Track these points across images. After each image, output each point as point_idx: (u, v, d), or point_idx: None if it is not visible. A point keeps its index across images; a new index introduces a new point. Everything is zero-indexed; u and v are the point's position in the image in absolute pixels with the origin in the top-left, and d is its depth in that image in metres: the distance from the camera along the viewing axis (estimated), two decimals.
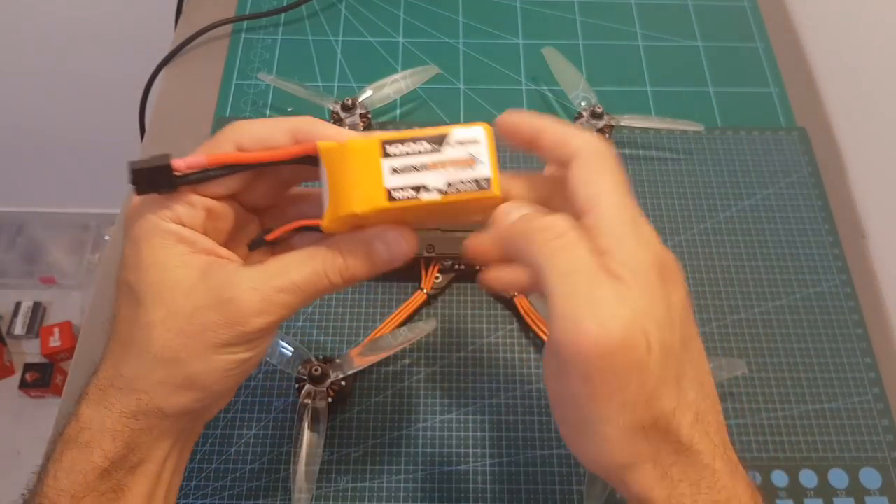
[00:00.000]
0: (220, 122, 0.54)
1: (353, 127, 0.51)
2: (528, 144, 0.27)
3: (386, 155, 0.24)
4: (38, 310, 1.27)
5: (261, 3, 0.61)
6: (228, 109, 0.55)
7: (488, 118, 0.55)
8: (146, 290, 0.26)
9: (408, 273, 0.46)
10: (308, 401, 0.40)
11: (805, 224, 0.50)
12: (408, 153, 0.24)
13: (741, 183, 0.52)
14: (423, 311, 0.46)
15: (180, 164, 0.25)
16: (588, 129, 0.50)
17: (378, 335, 0.43)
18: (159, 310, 0.25)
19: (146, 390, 0.26)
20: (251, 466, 0.40)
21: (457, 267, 0.45)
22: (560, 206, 0.26)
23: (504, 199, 0.25)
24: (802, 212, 0.50)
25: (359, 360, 0.41)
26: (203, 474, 0.40)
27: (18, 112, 1.08)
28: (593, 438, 0.24)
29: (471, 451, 0.41)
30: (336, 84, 0.57)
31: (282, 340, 0.41)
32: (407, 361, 0.44)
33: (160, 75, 0.58)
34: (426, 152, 0.24)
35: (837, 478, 0.41)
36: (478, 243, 0.28)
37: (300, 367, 0.41)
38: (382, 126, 0.54)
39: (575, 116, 0.52)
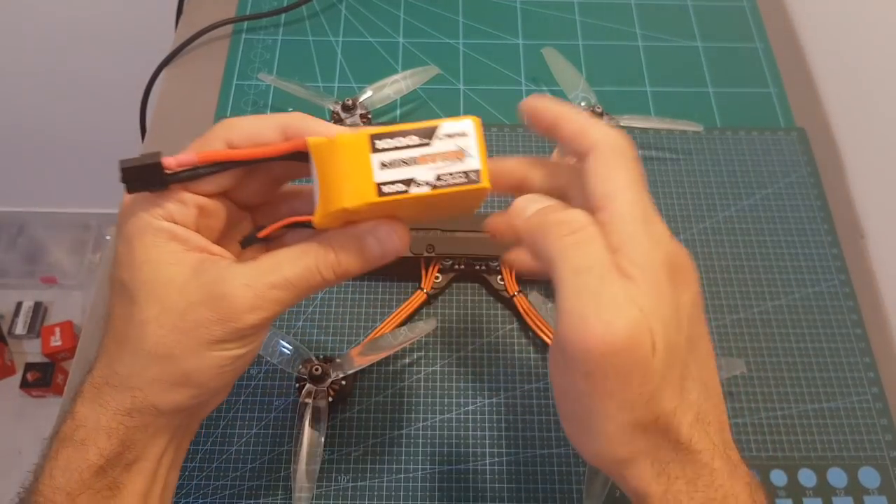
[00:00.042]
0: None
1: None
2: (548, 131, 0.27)
3: (375, 150, 0.24)
4: (39, 309, 1.27)
5: (261, 4, 0.61)
6: (229, 110, 0.55)
7: (488, 118, 0.56)
8: (139, 287, 0.26)
9: (408, 273, 0.46)
10: (308, 400, 0.40)
11: (804, 224, 0.50)
12: (397, 147, 0.24)
13: (740, 183, 0.52)
14: (423, 310, 0.46)
15: (171, 162, 0.25)
16: None
17: (378, 335, 0.43)
18: (153, 307, 0.25)
19: (140, 387, 0.26)
20: (252, 465, 0.40)
21: (457, 267, 0.46)
22: (578, 196, 0.26)
23: (492, 190, 0.25)
24: (801, 212, 0.50)
25: (359, 359, 0.41)
26: (204, 473, 0.40)
27: (19, 112, 1.08)
28: (593, 433, 0.24)
29: (471, 450, 0.41)
30: (336, 84, 0.57)
31: (282, 340, 0.41)
32: (407, 361, 0.44)
33: (161, 75, 0.58)
34: (415, 146, 0.24)
35: (836, 477, 0.41)
36: (498, 223, 0.28)
37: (301, 367, 0.41)
38: None
39: None
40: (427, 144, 0.24)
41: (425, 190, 0.24)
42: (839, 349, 0.45)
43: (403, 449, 0.41)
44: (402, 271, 0.46)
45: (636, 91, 0.57)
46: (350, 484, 0.40)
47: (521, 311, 0.44)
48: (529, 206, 0.26)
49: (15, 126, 1.10)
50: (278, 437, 0.41)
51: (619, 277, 0.23)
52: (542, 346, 0.44)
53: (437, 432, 0.42)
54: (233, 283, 0.25)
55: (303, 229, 0.27)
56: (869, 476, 0.41)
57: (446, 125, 0.25)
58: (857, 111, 0.54)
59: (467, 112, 0.55)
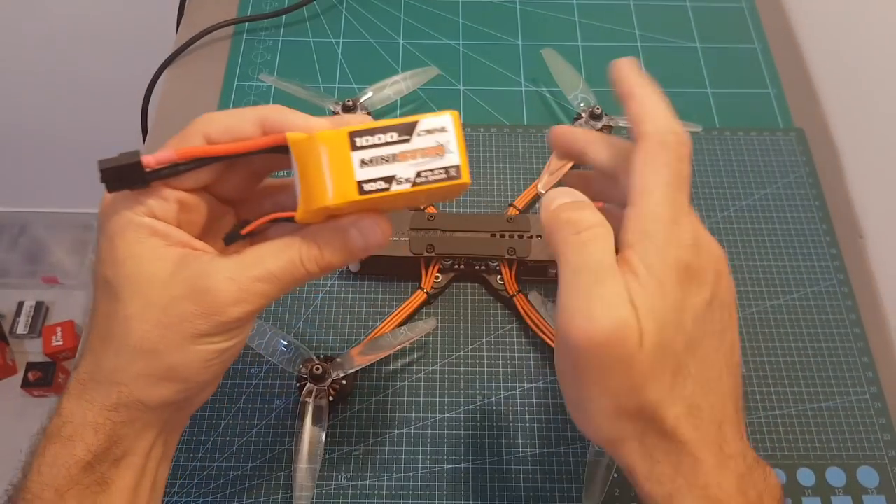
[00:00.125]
0: None
1: None
2: (623, 98, 0.28)
3: (355, 147, 0.24)
4: (40, 309, 1.28)
5: (262, 5, 0.61)
6: None
7: (488, 119, 0.56)
8: (122, 283, 0.26)
9: (408, 273, 0.46)
10: (309, 399, 0.40)
11: (803, 224, 0.50)
12: (376, 144, 0.24)
13: (739, 183, 0.52)
14: (423, 310, 0.46)
15: (150, 160, 0.25)
16: (588, 129, 0.50)
17: (378, 334, 0.43)
18: (136, 302, 0.26)
19: (126, 383, 0.26)
20: (253, 464, 0.41)
21: (457, 267, 0.46)
22: (624, 183, 0.27)
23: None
24: (800, 212, 0.51)
25: (359, 358, 0.41)
26: (205, 472, 0.40)
27: (21, 112, 1.08)
28: (584, 415, 0.26)
29: (471, 449, 0.41)
30: (337, 85, 0.57)
31: (283, 339, 0.42)
32: (407, 360, 0.44)
33: (162, 76, 0.58)
34: (395, 142, 0.24)
35: (835, 476, 0.41)
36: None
37: (301, 366, 0.41)
38: None
39: (574, 117, 0.52)
40: (407, 141, 0.25)
41: (406, 187, 0.24)
42: (838, 349, 0.45)
43: (404, 448, 0.41)
44: (402, 271, 0.46)
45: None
46: (350, 483, 0.40)
47: (521, 310, 0.45)
48: (555, 200, 0.27)
49: (16, 126, 1.10)
50: (279, 436, 0.41)
51: (617, 276, 0.24)
52: (541, 346, 0.45)
53: (437, 432, 0.42)
54: (216, 276, 0.26)
55: (286, 224, 0.27)
56: (868, 475, 0.41)
57: (425, 121, 0.25)
58: (855, 111, 0.55)
59: (467, 113, 0.55)
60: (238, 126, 0.26)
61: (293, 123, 0.26)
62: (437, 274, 0.46)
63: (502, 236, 0.45)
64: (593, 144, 0.30)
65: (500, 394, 0.43)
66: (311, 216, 0.26)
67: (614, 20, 0.62)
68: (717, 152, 0.53)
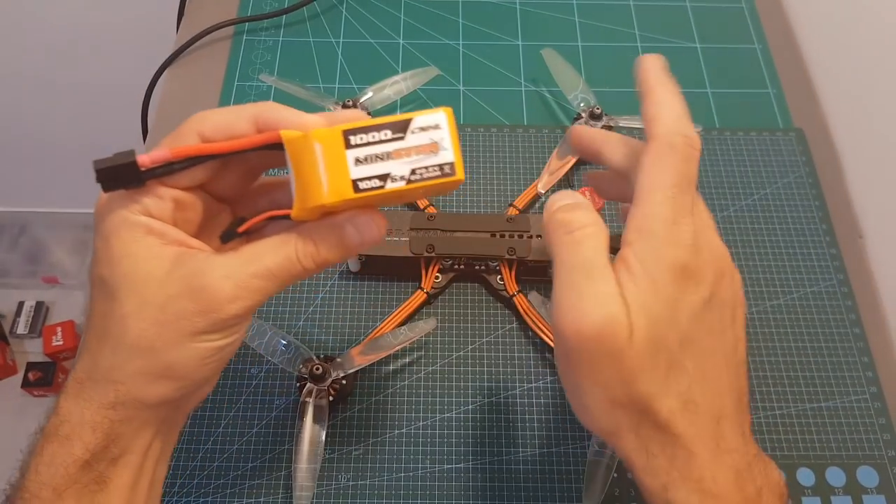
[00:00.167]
0: None
1: None
2: (641, 96, 0.28)
3: (349, 145, 0.24)
4: (40, 309, 1.28)
5: (262, 5, 0.61)
6: None
7: (488, 119, 0.56)
8: (119, 282, 0.26)
9: (408, 273, 0.46)
10: (309, 399, 0.40)
11: (802, 224, 0.50)
12: (370, 142, 0.24)
13: (739, 183, 0.52)
14: (423, 310, 0.46)
15: (145, 159, 0.25)
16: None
17: (378, 334, 0.43)
18: (133, 301, 0.26)
19: (123, 381, 0.26)
20: (253, 464, 0.41)
21: (457, 267, 0.46)
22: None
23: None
24: (800, 212, 0.51)
25: (359, 358, 0.41)
26: (205, 472, 0.40)
27: (21, 112, 1.08)
28: (582, 406, 0.27)
29: (471, 449, 0.41)
30: (337, 85, 0.57)
31: (283, 339, 0.42)
32: (407, 360, 0.44)
33: (163, 76, 0.58)
34: (389, 140, 0.25)
35: (835, 476, 0.41)
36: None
37: (301, 366, 0.41)
38: None
39: (574, 117, 0.52)
40: (401, 138, 0.25)
41: (401, 185, 0.25)
42: (837, 349, 0.45)
43: (404, 448, 0.41)
44: (402, 271, 0.46)
45: (635, 92, 0.57)
46: (351, 483, 0.40)
47: (521, 310, 0.45)
48: (555, 203, 0.28)
49: (17, 126, 1.10)
50: (279, 436, 0.42)
51: (607, 273, 0.25)
52: (541, 346, 0.45)
53: (437, 432, 0.42)
54: (213, 274, 0.26)
55: (282, 221, 0.27)
56: (867, 475, 0.41)
57: (419, 119, 0.25)
58: (855, 111, 0.55)
59: (467, 113, 0.55)
60: (232, 124, 0.26)
61: (287, 121, 0.26)
62: (437, 274, 0.46)
63: (502, 236, 0.45)
64: (608, 144, 0.31)
65: (500, 394, 0.43)
66: (306, 214, 0.26)
67: (614, 20, 0.62)
68: (716, 152, 0.53)
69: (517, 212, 0.49)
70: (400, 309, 0.45)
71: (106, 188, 0.26)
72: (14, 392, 1.21)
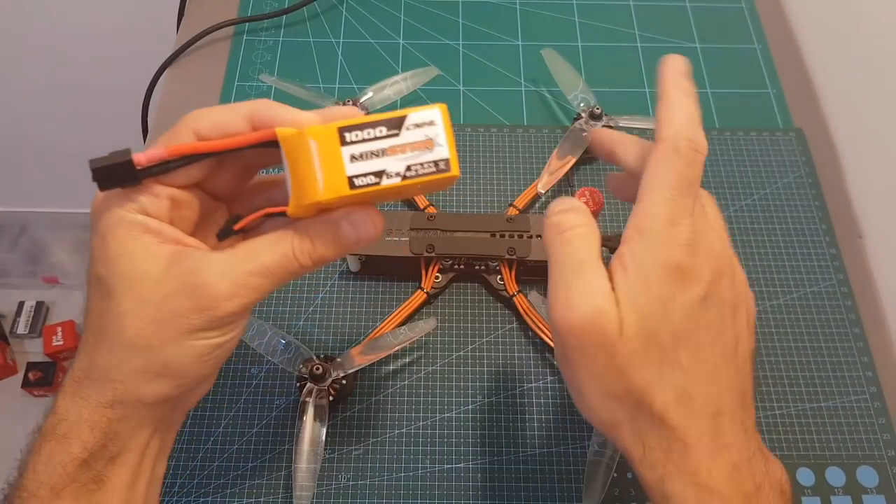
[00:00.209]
0: None
1: None
2: (658, 98, 0.29)
3: (344, 142, 0.24)
4: (41, 309, 1.28)
5: (262, 5, 0.61)
6: None
7: (488, 119, 0.56)
8: (116, 281, 0.26)
9: (408, 273, 0.46)
10: (309, 399, 0.40)
11: (802, 224, 0.50)
12: (366, 139, 0.24)
13: (739, 183, 0.52)
14: (423, 310, 0.46)
15: (141, 158, 0.25)
16: (588, 129, 0.50)
17: (378, 334, 0.43)
18: (129, 299, 0.26)
19: (121, 379, 0.26)
20: (253, 464, 0.41)
21: (457, 267, 0.46)
22: None
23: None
24: (800, 212, 0.51)
25: (359, 358, 0.41)
26: (205, 472, 0.40)
27: (21, 112, 1.08)
28: (580, 398, 0.28)
29: (471, 448, 0.41)
30: (337, 85, 0.57)
31: (283, 339, 0.42)
32: (407, 360, 0.44)
33: (163, 76, 0.58)
34: (384, 137, 0.25)
35: (834, 476, 0.41)
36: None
37: (301, 366, 0.41)
38: None
39: (574, 117, 0.52)
40: (396, 135, 0.25)
41: (396, 181, 0.25)
42: (837, 348, 0.45)
43: (404, 448, 0.41)
44: (402, 271, 0.46)
45: (635, 92, 0.57)
46: (351, 482, 0.40)
47: (521, 310, 0.45)
48: (551, 208, 0.29)
49: (17, 126, 1.10)
50: (279, 435, 0.42)
51: (596, 269, 0.27)
52: (541, 346, 0.45)
53: (437, 431, 0.42)
54: (210, 271, 0.26)
55: (279, 218, 0.27)
56: (867, 475, 0.41)
57: (414, 115, 0.25)
58: (855, 112, 0.55)
59: (467, 113, 0.55)
60: (227, 122, 0.27)
61: (282, 118, 0.26)
62: (437, 274, 0.46)
63: (502, 236, 0.45)
64: (622, 145, 0.31)
65: (500, 394, 0.43)
66: (302, 211, 0.26)
67: (614, 20, 0.62)
68: (716, 152, 0.53)
69: (517, 212, 0.49)
70: (400, 309, 0.45)
71: (102, 187, 0.26)
72: (14, 392, 1.21)
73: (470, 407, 0.43)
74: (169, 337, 0.26)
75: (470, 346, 0.45)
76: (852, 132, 0.54)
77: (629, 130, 0.53)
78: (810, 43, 0.60)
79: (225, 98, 0.56)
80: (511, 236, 0.45)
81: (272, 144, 0.26)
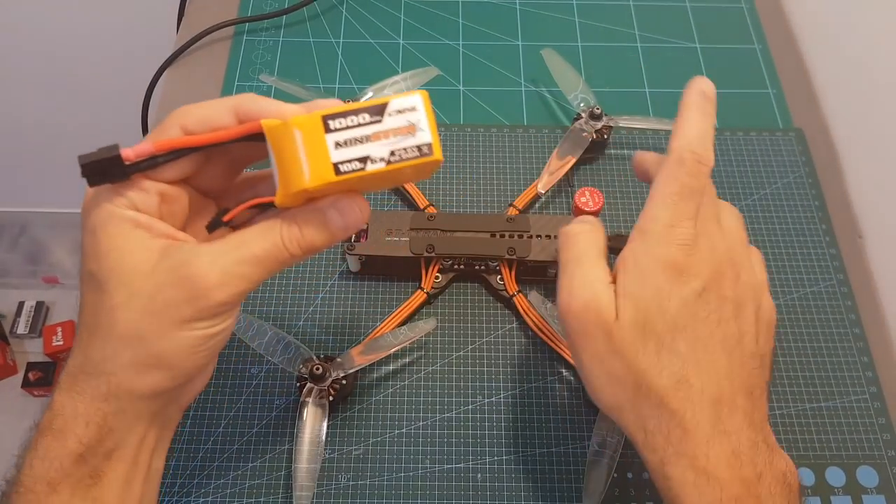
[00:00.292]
0: None
1: None
2: (678, 112, 0.31)
3: (328, 130, 0.25)
4: (41, 309, 1.28)
5: (262, 5, 0.61)
6: None
7: (488, 119, 0.56)
8: (107, 276, 0.26)
9: (408, 273, 0.46)
10: (309, 399, 0.40)
11: (802, 224, 0.50)
12: (349, 126, 0.25)
13: (739, 183, 0.52)
14: (423, 310, 0.46)
15: (129, 153, 0.26)
16: (588, 129, 0.51)
17: (378, 334, 0.43)
18: (121, 292, 0.26)
19: (114, 372, 0.26)
20: (253, 464, 0.41)
21: (457, 267, 0.46)
22: None
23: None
24: (799, 212, 0.51)
25: (359, 358, 0.41)
26: (205, 472, 0.40)
27: (21, 112, 1.08)
28: (588, 383, 0.30)
29: (471, 448, 0.41)
30: (337, 85, 0.57)
31: (283, 339, 0.42)
32: (407, 360, 0.44)
33: (163, 77, 0.58)
34: (367, 123, 0.25)
35: (834, 476, 0.41)
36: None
37: (301, 366, 0.41)
38: None
39: (574, 117, 0.52)
40: (379, 121, 0.25)
41: (381, 166, 0.25)
42: (837, 348, 0.45)
43: (404, 448, 0.41)
44: (402, 271, 0.46)
45: (635, 92, 0.57)
46: (351, 483, 0.40)
47: (521, 310, 0.45)
48: (571, 222, 0.33)
49: (17, 126, 1.10)
50: (279, 435, 0.42)
51: (597, 263, 0.30)
52: (541, 346, 0.45)
53: (437, 431, 0.42)
54: (199, 262, 0.26)
55: (269, 212, 0.28)
56: (867, 475, 0.41)
57: (396, 101, 0.25)
58: (855, 112, 0.55)
59: (467, 113, 0.56)
60: (213, 116, 0.27)
61: (267, 110, 0.27)
62: (437, 274, 0.46)
63: (502, 236, 0.45)
64: (655, 165, 0.33)
65: (500, 394, 0.43)
66: (290, 200, 0.26)
67: (614, 20, 0.62)
68: (717, 152, 0.53)
69: (517, 212, 0.49)
70: (400, 309, 0.45)
71: (91, 182, 0.26)
72: (14, 392, 1.21)
73: (470, 407, 0.43)
74: (161, 328, 0.26)
75: (470, 346, 0.45)
76: (852, 132, 0.54)
77: (629, 130, 0.54)
78: (810, 43, 0.60)
79: None
80: (511, 236, 0.45)
81: (258, 137, 0.26)
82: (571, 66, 0.54)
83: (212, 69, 0.58)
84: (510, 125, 0.55)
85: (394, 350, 0.42)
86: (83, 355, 0.27)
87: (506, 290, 0.45)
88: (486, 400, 0.43)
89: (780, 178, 0.52)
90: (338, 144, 0.25)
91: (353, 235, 0.45)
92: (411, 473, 0.41)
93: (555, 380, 0.44)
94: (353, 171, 0.25)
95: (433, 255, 0.45)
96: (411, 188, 0.49)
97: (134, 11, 0.92)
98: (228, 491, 0.40)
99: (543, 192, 0.48)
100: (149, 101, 0.61)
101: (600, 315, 0.29)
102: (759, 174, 0.52)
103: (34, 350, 1.26)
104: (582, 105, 0.52)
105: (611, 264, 0.31)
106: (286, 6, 0.61)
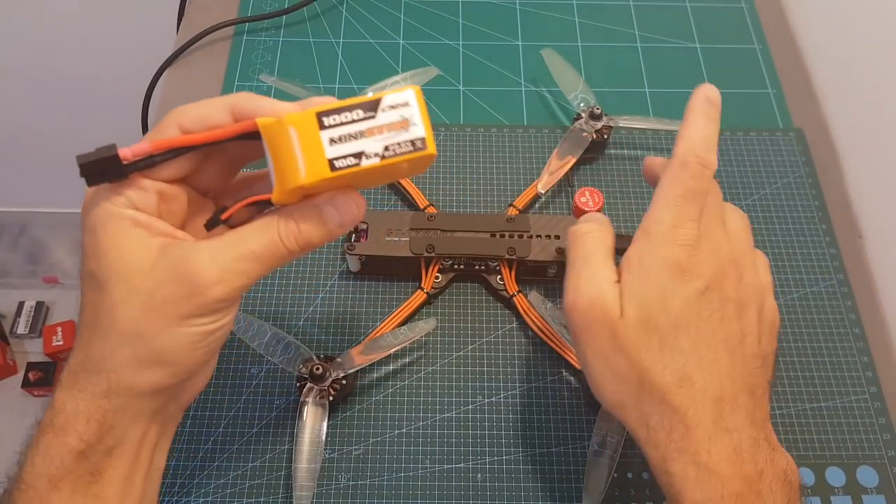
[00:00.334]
0: None
1: None
2: (683, 118, 0.32)
3: (323, 126, 0.25)
4: (41, 309, 1.28)
5: (262, 5, 0.61)
6: None
7: (488, 119, 0.56)
8: (107, 274, 0.26)
9: (408, 273, 0.46)
10: (309, 399, 0.40)
11: (802, 224, 0.50)
12: (343, 123, 0.25)
13: (739, 183, 0.52)
14: (423, 310, 0.46)
15: (126, 152, 0.26)
16: (588, 129, 0.51)
17: (378, 334, 0.43)
18: (121, 290, 0.26)
19: (115, 369, 0.26)
20: (253, 464, 0.41)
21: (457, 267, 0.46)
22: None
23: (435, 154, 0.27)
24: (799, 212, 0.51)
25: (359, 358, 0.41)
26: (205, 472, 0.40)
27: (21, 112, 1.08)
28: (592, 380, 0.31)
29: (470, 448, 0.41)
30: (337, 85, 0.57)
31: (283, 339, 0.42)
32: (407, 360, 0.44)
33: (163, 77, 0.58)
34: (361, 119, 0.25)
35: (834, 476, 0.41)
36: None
37: (301, 366, 0.41)
38: None
39: (574, 117, 0.52)
40: (373, 117, 0.25)
41: (375, 161, 0.25)
42: (837, 348, 0.45)
43: (404, 448, 0.41)
44: (402, 271, 0.46)
45: (635, 92, 0.57)
46: (351, 482, 0.40)
47: (521, 310, 0.45)
48: (579, 220, 0.34)
49: (17, 126, 1.10)
50: (279, 435, 0.42)
51: (603, 262, 0.31)
52: (541, 346, 0.45)
53: (437, 431, 0.42)
54: (198, 258, 0.26)
55: (267, 210, 0.28)
56: (867, 475, 0.41)
57: (389, 97, 0.26)
58: (855, 112, 0.55)
59: (467, 113, 0.56)
60: (209, 115, 0.27)
61: (262, 109, 0.27)
62: (437, 274, 0.46)
63: (502, 236, 0.45)
64: (662, 169, 0.33)
65: (500, 394, 0.43)
66: (286, 196, 0.26)
67: (614, 20, 0.62)
68: (718, 153, 0.53)
69: (517, 212, 0.49)
70: (400, 309, 0.45)
71: (90, 182, 0.26)
72: (14, 392, 1.21)
73: (470, 407, 0.43)
74: (160, 325, 0.26)
75: (470, 346, 0.45)
76: (852, 132, 0.54)
77: (629, 130, 0.53)
78: (810, 43, 0.60)
79: None
80: (511, 236, 0.45)
81: (254, 135, 0.26)
82: (571, 66, 0.54)
83: (212, 69, 0.58)
84: (510, 125, 0.55)
85: (394, 350, 0.42)
86: (84, 353, 0.27)
87: (506, 290, 0.45)
88: (486, 400, 0.43)
89: (780, 178, 0.52)
90: (332, 141, 0.25)
91: (353, 235, 0.45)
92: (411, 473, 0.41)
93: (555, 380, 0.44)
94: (348, 166, 0.25)
95: (433, 255, 0.45)
96: (411, 188, 0.49)
97: (134, 11, 0.92)
98: (228, 491, 0.40)
99: (543, 192, 0.48)
100: (149, 100, 0.61)
101: (605, 312, 0.29)
102: (759, 174, 0.52)
103: (34, 350, 1.26)
104: (582, 105, 0.52)
105: (616, 264, 0.31)
106: (286, 6, 0.61)
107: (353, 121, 0.25)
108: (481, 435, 0.42)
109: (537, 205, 0.50)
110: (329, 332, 0.45)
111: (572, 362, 0.43)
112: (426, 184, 0.51)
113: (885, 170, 0.50)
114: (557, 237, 0.45)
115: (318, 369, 0.40)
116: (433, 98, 0.56)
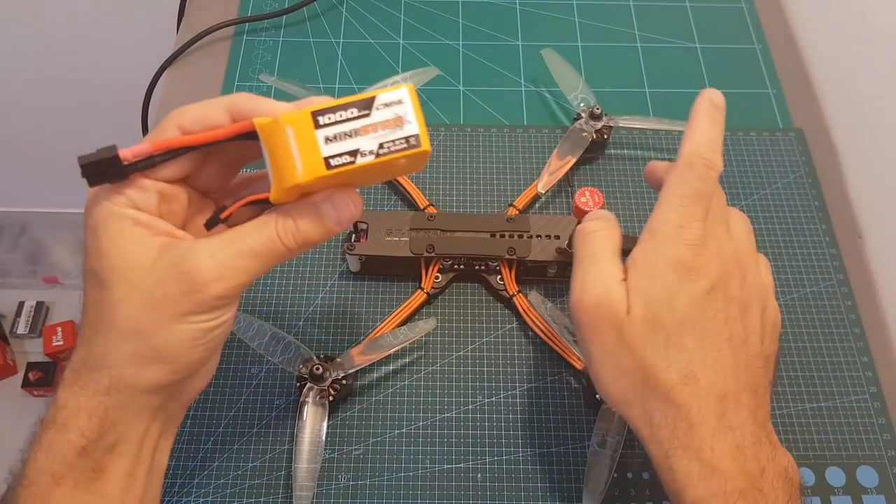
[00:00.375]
0: None
1: None
2: (688, 120, 0.32)
3: (318, 125, 0.25)
4: (41, 309, 1.28)
5: (262, 5, 0.61)
6: None
7: (488, 119, 0.56)
8: (108, 273, 0.27)
9: (408, 273, 0.46)
10: (309, 399, 0.40)
11: (802, 224, 0.50)
12: (338, 121, 0.26)
13: (739, 183, 0.52)
14: (423, 310, 0.46)
15: (127, 153, 0.26)
16: (588, 129, 0.51)
17: (378, 334, 0.43)
18: (122, 288, 0.26)
19: (116, 366, 0.27)
20: (253, 464, 0.41)
21: (457, 267, 0.46)
22: None
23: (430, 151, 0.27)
24: (799, 212, 0.51)
25: (359, 358, 0.41)
26: (205, 472, 0.40)
27: (21, 112, 1.08)
28: (597, 377, 0.31)
29: (470, 448, 0.41)
30: (337, 85, 0.57)
31: (283, 339, 0.42)
32: (407, 360, 0.44)
33: (163, 77, 0.58)
34: (356, 118, 0.26)
35: (834, 476, 0.41)
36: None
37: (301, 366, 0.41)
38: None
39: (574, 117, 0.52)
40: (367, 115, 0.26)
41: (370, 159, 0.26)
42: (837, 348, 0.45)
43: (404, 448, 0.41)
44: (402, 271, 0.46)
45: (635, 92, 0.57)
46: (350, 482, 0.40)
47: (521, 310, 0.45)
48: (587, 217, 0.34)
49: (17, 126, 1.10)
50: (279, 435, 0.42)
51: (610, 261, 0.31)
52: (541, 346, 0.45)
53: (437, 431, 0.42)
54: (197, 256, 0.26)
55: (269, 209, 0.28)
56: (867, 475, 0.41)
57: (383, 95, 0.26)
58: (854, 112, 0.55)
59: (467, 113, 0.55)
60: (208, 115, 0.27)
61: (260, 109, 0.27)
62: (437, 274, 0.46)
63: (502, 236, 0.45)
64: (665, 171, 0.34)
65: (500, 394, 0.43)
66: (284, 195, 0.27)
67: (614, 20, 0.62)
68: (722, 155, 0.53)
69: (517, 212, 0.49)
70: (400, 309, 0.45)
71: (91, 183, 0.27)
72: (14, 392, 1.21)
73: (470, 407, 0.43)
74: (160, 322, 0.27)
75: (470, 346, 0.45)
76: (852, 132, 0.54)
77: (629, 130, 0.53)
78: (810, 43, 0.60)
79: None
80: (511, 236, 0.45)
81: (251, 135, 0.27)
82: (571, 66, 0.54)
83: (212, 69, 0.58)
84: (510, 125, 0.55)
85: (394, 350, 0.42)
86: (86, 350, 0.27)
87: (506, 290, 0.45)
88: (486, 400, 0.43)
89: (780, 178, 0.52)
90: (328, 139, 0.25)
91: (353, 235, 0.45)
92: (411, 473, 0.41)
93: (555, 380, 0.44)
94: (344, 164, 0.25)
95: (433, 255, 0.45)
96: (411, 188, 0.49)
97: (134, 11, 0.92)
98: (228, 491, 0.40)
99: (543, 192, 0.48)
100: (149, 100, 0.61)
101: (612, 310, 0.29)
102: (759, 174, 0.52)
103: (34, 350, 1.26)
104: (582, 105, 0.52)
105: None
106: (286, 6, 0.61)
107: (348, 119, 0.26)
108: (481, 435, 0.42)
109: (537, 205, 0.50)
110: (329, 332, 0.45)
111: (572, 362, 0.43)
112: (426, 184, 0.51)
113: (884, 170, 0.50)
114: (557, 237, 0.45)
115: (317, 369, 0.40)
116: (433, 98, 0.56)
